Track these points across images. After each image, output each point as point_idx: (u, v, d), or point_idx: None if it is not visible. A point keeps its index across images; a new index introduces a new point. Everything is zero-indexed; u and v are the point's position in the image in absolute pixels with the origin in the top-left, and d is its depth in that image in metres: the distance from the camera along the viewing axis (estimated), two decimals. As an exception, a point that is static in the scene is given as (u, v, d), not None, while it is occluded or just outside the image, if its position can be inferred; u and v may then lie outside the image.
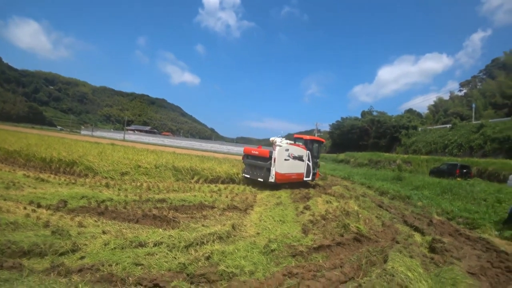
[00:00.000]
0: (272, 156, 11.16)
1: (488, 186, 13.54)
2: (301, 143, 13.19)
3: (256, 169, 11.75)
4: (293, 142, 13.01)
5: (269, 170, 11.19)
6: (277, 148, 11.33)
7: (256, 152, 11.93)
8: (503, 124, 33.34)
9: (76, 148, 13.79)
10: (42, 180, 8.34)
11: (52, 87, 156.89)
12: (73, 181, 8.62)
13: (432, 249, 5.39)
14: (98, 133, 76.33)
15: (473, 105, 50.35)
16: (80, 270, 3.13)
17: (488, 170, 23.51)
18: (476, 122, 39.93)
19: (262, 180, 11.40)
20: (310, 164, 13.07)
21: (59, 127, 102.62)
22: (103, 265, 3.29)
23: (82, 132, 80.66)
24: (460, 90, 72.96)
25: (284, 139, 12.72)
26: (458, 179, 18.71)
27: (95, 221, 5.09)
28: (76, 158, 10.99)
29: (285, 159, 11.52)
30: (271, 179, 11.16)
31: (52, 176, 9.28)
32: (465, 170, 21.84)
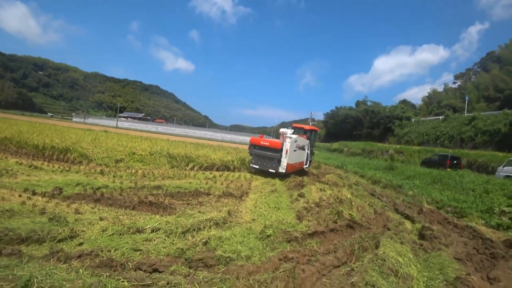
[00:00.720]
0: (284, 148, 11.40)
1: (477, 177, 13.89)
2: (301, 133, 13.47)
3: (266, 160, 11.85)
4: (291, 130, 13.14)
5: (279, 161, 11.43)
6: (288, 139, 11.61)
7: (267, 143, 11.97)
8: (494, 117, 33.90)
9: (69, 135, 13.63)
10: (36, 167, 8.26)
11: (41, 73, 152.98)
12: (67, 168, 8.56)
13: (421, 236, 5.58)
14: (90, 120, 75.32)
15: (467, 98, 50.91)
16: (79, 256, 3.16)
17: (477, 161, 24.05)
18: (468, 114, 40.49)
19: (273, 171, 11.57)
20: (309, 152, 13.52)
21: (49, 114, 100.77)
22: (102, 251, 3.33)
23: (74, 119, 79.48)
24: (454, 83, 73.64)
25: (292, 130, 12.96)
26: (449, 169, 19.11)
27: (92, 207, 5.11)
28: (70, 145, 10.88)
29: (294, 150, 11.85)
30: (282, 170, 11.40)
31: (46, 163, 9.20)
32: (455, 161, 22.29)
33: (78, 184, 6.55)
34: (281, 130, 12.93)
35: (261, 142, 12.13)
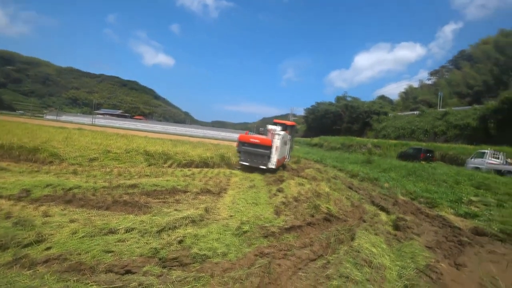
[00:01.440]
0: (274, 145, 11.91)
1: (449, 169, 14.60)
2: (281, 127, 13.73)
3: (257, 156, 12.11)
4: (280, 127, 13.66)
5: (269, 157, 11.89)
6: (277, 136, 12.20)
7: (257, 140, 12.19)
8: (465, 112, 35.70)
9: (39, 134, 12.96)
10: (2, 168, 7.76)
11: (10, 67, 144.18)
12: (36, 169, 8.13)
13: (395, 227, 5.77)
14: (64, 117, 72.10)
15: (440, 94, 53.24)
16: (46, 261, 3.01)
17: (449, 154, 25.28)
18: (441, 110, 42.42)
19: (264, 167, 11.91)
20: (290, 147, 14.23)
21: (19, 111, 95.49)
22: (71, 255, 3.19)
23: (46, 116, 75.81)
24: (429, 79, 76.65)
25: (280, 127, 13.58)
26: (422, 162, 19.94)
27: (62, 209, 4.88)
28: (39, 144, 10.32)
29: (282, 146, 12.37)
30: (272, 165, 11.87)
31: (13, 164, 8.68)
32: (428, 154, 23.29)
33: (47, 185, 6.22)
34: (270, 127, 13.51)
35: (251, 140, 12.32)
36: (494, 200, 8.21)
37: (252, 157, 12.23)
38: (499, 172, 16.27)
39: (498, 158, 19.22)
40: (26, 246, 3.39)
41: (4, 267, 2.85)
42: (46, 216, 4.42)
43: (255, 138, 12.59)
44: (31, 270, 2.84)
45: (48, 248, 3.40)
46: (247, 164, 12.30)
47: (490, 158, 18.81)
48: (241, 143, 12.41)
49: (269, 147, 11.92)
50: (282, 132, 12.70)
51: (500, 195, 8.88)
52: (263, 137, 12.95)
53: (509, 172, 16.43)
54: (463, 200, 8.40)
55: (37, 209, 4.73)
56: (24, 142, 10.33)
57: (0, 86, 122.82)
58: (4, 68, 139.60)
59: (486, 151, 19.27)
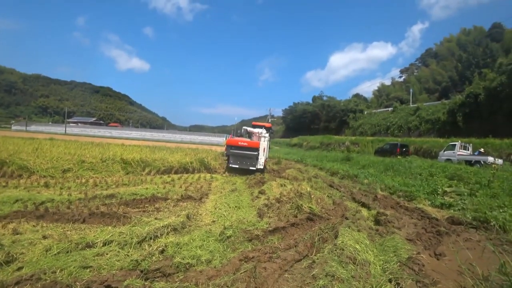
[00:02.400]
0: (261, 147, 12.80)
1: (423, 162, 15.23)
2: (260, 129, 14.43)
3: (246, 159, 12.71)
4: (265, 130, 14.48)
5: (257, 159, 12.68)
6: (263, 138, 13.25)
7: (245, 144, 12.82)
8: (434, 107, 37.48)
9: (5, 146, 12.15)
10: (-36, 184, 7.24)
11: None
12: (3, 184, 7.62)
13: (377, 222, 5.91)
14: (33, 127, 68.52)
15: (411, 90, 55.67)
16: (17, 283, 2.79)
17: (423, 148, 26.42)
18: (413, 105, 44.23)
19: (253, 168, 12.61)
20: (269, 148, 15.34)
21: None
22: (45, 273, 2.98)
23: (14, 127, 71.82)
24: (400, 77, 79.96)
25: (265, 130, 14.41)
26: (399, 157, 20.67)
27: (34, 226, 4.60)
28: (6, 157, 9.67)
29: (267, 147, 13.62)
30: (260, 166, 12.74)
31: (-23, 179, 8.11)
32: (404, 149, 24.19)
33: (16, 200, 5.85)
34: (254, 130, 14.46)
35: (239, 143, 12.87)
36: (467, 189, 8.62)
37: (241, 159, 12.71)
38: (469, 163, 17.19)
39: (467, 149, 20.31)
40: (-6, 268, 3.16)
41: (-31, 293, 2.63)
42: (16, 234, 4.15)
43: (243, 141, 13.14)
44: (1, 294, 2.65)
45: (19, 269, 3.18)
46: (236, 166, 12.71)
47: (460, 150, 19.82)
48: (230, 146, 12.84)
49: (257, 149, 12.65)
50: (267, 134, 13.45)
51: (472, 184, 9.35)
52: (251, 140, 13.63)
53: (477, 162, 17.40)
54: (438, 192, 8.76)
55: (6, 226, 4.43)
56: (-12, 156, 9.66)
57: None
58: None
59: (456, 143, 20.29)
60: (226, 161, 13.51)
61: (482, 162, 16.93)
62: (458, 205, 7.29)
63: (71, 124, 76.14)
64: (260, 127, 15.14)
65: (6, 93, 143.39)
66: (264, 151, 12.84)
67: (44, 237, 4.01)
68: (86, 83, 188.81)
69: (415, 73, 73.60)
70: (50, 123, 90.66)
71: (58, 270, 3.09)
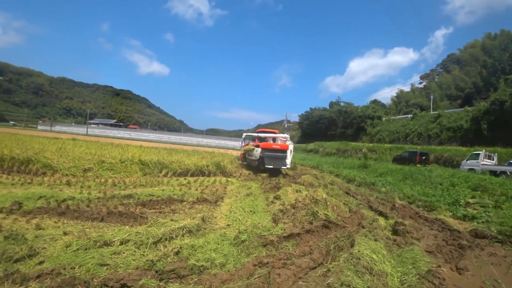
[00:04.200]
0: (289, 149, 14.74)
1: (444, 171, 14.66)
2: (283, 134, 16.84)
3: (277, 159, 14.27)
4: (288, 135, 16.66)
5: (286, 159, 14.48)
6: (289, 142, 15.46)
7: (278, 147, 14.64)
8: (457, 114, 36.11)
9: (32, 145, 12.75)
10: (-7, 180, 7.62)
11: (1, 78, 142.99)
12: (29, 181, 7.97)
13: (394, 232, 5.73)
14: (57, 127, 71.53)
15: (431, 97, 53.96)
16: (38, 276, 2.89)
17: (444, 156, 25.45)
18: (434, 112, 42.84)
19: (284, 167, 14.52)
20: None
21: (11, 122, 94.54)
22: (64, 269, 3.08)
23: (39, 127, 75.18)
24: (420, 83, 77.77)
25: (288, 135, 16.80)
26: (418, 165, 20.03)
27: (55, 222, 4.76)
28: (32, 155, 10.14)
29: (292, 150, 15.50)
30: (288, 166, 14.64)
31: (5, 176, 8.51)
32: (424, 157, 23.38)
33: (40, 197, 6.10)
34: (282, 135, 16.61)
35: (273, 146, 14.64)
36: (492, 201, 8.23)
37: (274, 160, 14.20)
38: (493, 173, 16.40)
39: (492, 159, 19.40)
40: (17, 260, 3.28)
41: (-6, 283, 2.74)
42: (39, 229, 4.31)
43: (276, 144, 15.01)
44: (23, 286, 2.74)
45: (41, 263, 3.30)
46: (271, 167, 14.05)
47: (484, 160, 18.97)
48: (264, 149, 14.25)
49: (285, 151, 14.55)
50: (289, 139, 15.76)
51: (497, 196, 8.91)
52: (281, 143, 15.50)
53: (503, 172, 16.58)
54: (460, 203, 8.41)
55: (30, 222, 4.61)
56: (16, 154, 10.16)
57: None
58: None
59: (480, 152, 19.44)
60: (243, 163, 15.46)
61: (509, 173, 16.10)
62: (482, 218, 6.97)
63: (92, 125, 78.95)
64: (268, 133, 17.14)
65: (34, 95, 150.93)
66: (290, 153, 14.62)
67: (65, 234, 4.14)
68: (108, 86, 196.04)
69: (436, 79, 71.43)
70: (73, 124, 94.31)
71: (77, 266, 3.17)
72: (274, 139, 16.36)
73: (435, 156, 26.14)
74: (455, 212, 7.69)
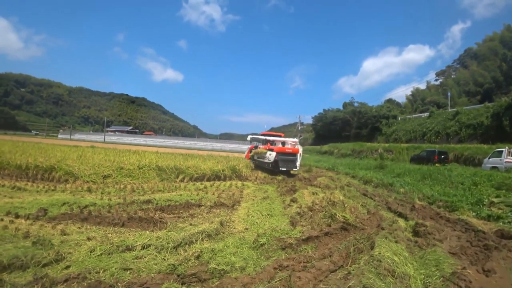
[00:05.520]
0: (299, 152, 15.91)
1: (465, 170, 14.18)
2: (292, 139, 18.14)
3: (290, 162, 15.38)
4: (292, 139, 18.07)
5: (296, 162, 15.64)
6: (298, 146, 16.53)
7: (290, 151, 15.75)
8: (476, 111, 34.84)
9: (54, 153, 13.24)
10: (19, 188, 7.97)
11: (23, 90, 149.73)
12: (52, 188, 8.29)
13: (415, 233, 5.59)
14: (77, 135, 73.97)
15: (449, 94, 52.34)
16: (66, 280, 3.00)
17: (464, 155, 24.59)
18: (452, 109, 41.51)
19: (295, 169, 15.93)
20: None
21: (34, 132, 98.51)
22: (90, 273, 3.18)
23: (60, 135, 77.91)
24: (436, 80, 75.64)
25: (297, 139, 18.53)
26: (437, 164, 19.46)
27: (79, 227, 4.93)
28: (54, 163, 10.55)
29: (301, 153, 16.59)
30: (298, 167, 15.93)
31: (30, 183, 8.89)
32: (443, 156, 22.69)
33: (64, 203, 6.33)
34: (292, 139, 17.87)
35: (286, 150, 15.74)
36: (517, 201, 7.90)
37: (287, 163, 15.27)
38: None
39: (516, 157, 18.58)
40: (45, 265, 3.41)
41: (25, 287, 2.86)
42: (64, 235, 4.46)
43: (289, 148, 16.02)
44: (52, 290, 2.84)
45: (67, 267, 3.41)
46: (285, 169, 15.23)
47: (508, 157, 18.20)
48: (278, 153, 15.11)
49: (296, 154, 15.68)
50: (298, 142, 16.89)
51: (523, 195, 8.55)
52: (293, 147, 16.42)
53: (529, 170, 15.84)
54: (484, 202, 8.12)
55: (55, 227, 4.79)
56: (40, 162, 10.59)
57: (15, 108, 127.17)
58: (19, 91, 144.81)
59: (503, 149, 18.67)
60: (254, 165, 16.28)
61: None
62: (508, 217, 6.72)
63: (109, 133, 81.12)
64: (274, 136, 18.33)
65: (54, 105, 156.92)
66: (300, 156, 15.87)
67: (88, 239, 4.27)
68: (123, 94, 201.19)
69: (452, 76, 69.30)
70: (91, 132, 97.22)
71: (101, 271, 3.27)
72: (283, 143, 17.02)
73: (454, 154, 25.29)
74: (478, 212, 7.43)
